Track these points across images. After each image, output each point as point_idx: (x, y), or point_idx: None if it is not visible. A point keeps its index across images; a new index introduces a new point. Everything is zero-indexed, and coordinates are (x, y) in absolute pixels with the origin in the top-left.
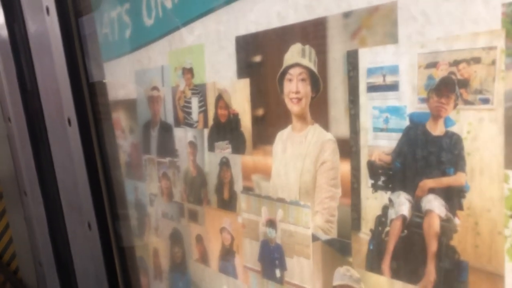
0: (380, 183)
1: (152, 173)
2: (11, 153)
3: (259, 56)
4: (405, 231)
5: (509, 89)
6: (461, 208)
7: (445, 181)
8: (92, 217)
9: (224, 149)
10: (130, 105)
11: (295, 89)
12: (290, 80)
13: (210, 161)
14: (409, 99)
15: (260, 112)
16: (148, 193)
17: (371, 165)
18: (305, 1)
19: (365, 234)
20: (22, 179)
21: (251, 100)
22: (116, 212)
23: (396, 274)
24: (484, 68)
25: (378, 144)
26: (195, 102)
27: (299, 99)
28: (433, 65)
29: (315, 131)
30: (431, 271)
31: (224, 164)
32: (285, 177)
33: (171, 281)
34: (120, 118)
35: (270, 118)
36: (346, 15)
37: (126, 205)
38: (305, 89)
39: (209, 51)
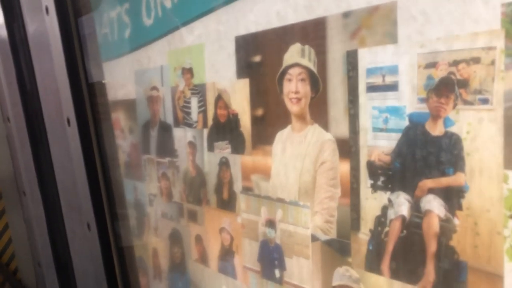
0: (379, 183)
1: (151, 173)
2: (10, 153)
3: (258, 56)
4: (405, 231)
5: (509, 89)
6: (460, 208)
7: (445, 181)
8: (91, 218)
9: (223, 149)
10: (129, 105)
11: (294, 89)
12: (289, 80)
13: (209, 161)
14: (408, 99)
15: (260, 112)
16: (147, 193)
17: (371, 165)
18: (304, 1)
19: (364, 234)
20: (21, 179)
21: (250, 100)
22: (115, 212)
23: (395, 274)
24: (483, 68)
25: (378, 144)
26: (194, 102)
27: (299, 99)
28: (432, 65)
29: (314, 131)
30: (430, 271)
31: (224, 164)
32: (285, 177)
33: (170, 281)
34: (119, 118)
35: (270, 118)
36: (346, 15)
37: (125, 205)
38: (304, 89)
39: (209, 51)
